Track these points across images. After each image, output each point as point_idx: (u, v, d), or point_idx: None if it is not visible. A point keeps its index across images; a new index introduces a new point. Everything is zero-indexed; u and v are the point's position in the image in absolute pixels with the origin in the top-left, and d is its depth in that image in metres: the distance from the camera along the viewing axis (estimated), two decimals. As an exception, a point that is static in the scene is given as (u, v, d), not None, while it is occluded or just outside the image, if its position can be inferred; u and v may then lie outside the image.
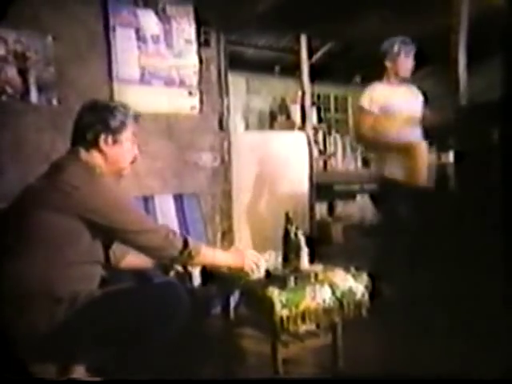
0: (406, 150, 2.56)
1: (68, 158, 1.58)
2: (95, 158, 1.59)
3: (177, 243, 1.59)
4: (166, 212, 2.85)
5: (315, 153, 4.15)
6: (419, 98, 2.81)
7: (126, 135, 1.65)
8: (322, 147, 4.66)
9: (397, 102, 2.68)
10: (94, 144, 1.58)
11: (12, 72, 2.53)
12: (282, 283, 1.75)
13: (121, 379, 1.43)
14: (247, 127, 4.75)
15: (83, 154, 1.57)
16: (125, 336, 1.43)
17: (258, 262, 1.79)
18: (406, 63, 2.69)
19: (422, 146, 2.58)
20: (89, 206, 1.46)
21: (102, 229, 1.50)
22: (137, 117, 1.71)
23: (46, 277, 1.41)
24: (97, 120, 1.59)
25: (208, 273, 2.07)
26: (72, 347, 1.43)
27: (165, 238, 1.57)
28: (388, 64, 2.69)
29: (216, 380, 1.88)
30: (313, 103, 4.81)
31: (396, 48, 2.66)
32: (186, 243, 1.60)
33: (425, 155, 2.58)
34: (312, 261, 1.95)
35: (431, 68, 2.51)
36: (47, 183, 1.51)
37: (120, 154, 1.64)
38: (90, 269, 1.54)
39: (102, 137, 1.58)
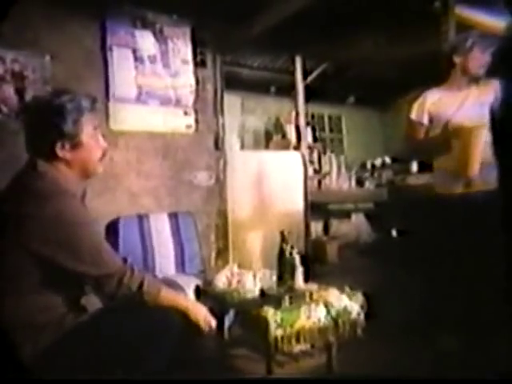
0: (458, 135, 2.26)
1: (23, 176, 1.42)
2: (57, 167, 1.41)
3: (131, 285, 1.41)
4: (161, 231, 2.85)
5: (310, 172, 4.17)
6: (487, 102, 2.34)
7: (86, 132, 1.44)
8: (316, 166, 4.69)
9: (452, 109, 2.37)
10: (51, 154, 1.39)
11: (9, 91, 2.55)
12: (276, 302, 1.74)
13: (120, 379, 1.38)
14: (242, 146, 4.78)
15: (41, 165, 1.40)
16: (114, 359, 1.38)
17: (210, 323, 1.55)
18: (480, 59, 2.32)
19: (478, 131, 2.23)
20: (38, 237, 1.31)
21: (49, 263, 1.32)
22: (93, 104, 1.49)
23: (20, 308, 1.34)
24: (47, 128, 1.39)
25: (201, 291, 2.06)
26: (61, 371, 1.38)
27: (117, 284, 1.39)
28: (457, 60, 2.36)
29: (216, 380, 1.84)
30: (307, 123, 4.85)
31: (470, 42, 2.33)
32: (141, 285, 1.42)
33: (478, 142, 2.22)
34: (307, 280, 1.94)
35: (421, 91, 2.52)
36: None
37: (84, 155, 1.45)
38: (69, 294, 1.44)
39: (58, 145, 1.39)
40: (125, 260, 1.50)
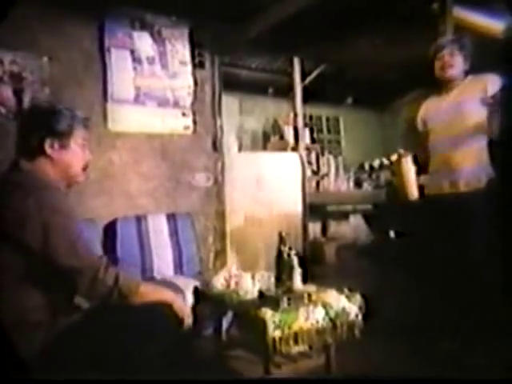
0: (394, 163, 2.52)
1: (5, 173, 1.47)
2: (41, 164, 1.47)
3: (107, 280, 1.41)
4: (159, 232, 2.85)
5: (308, 173, 4.17)
6: (468, 101, 2.35)
7: (75, 140, 1.52)
8: (314, 168, 4.69)
9: (437, 113, 2.46)
10: (38, 150, 1.46)
11: (7, 92, 2.55)
12: (274, 304, 1.74)
13: (121, 379, 1.38)
14: (240, 148, 4.78)
15: (24, 164, 1.45)
16: (108, 359, 1.37)
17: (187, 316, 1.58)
18: (448, 62, 2.35)
19: (404, 161, 2.45)
20: (17, 223, 1.34)
21: (29, 255, 1.35)
22: (86, 121, 1.59)
23: (9, 306, 1.34)
24: (40, 124, 1.48)
25: (200, 293, 2.06)
26: (55, 369, 1.38)
27: (92, 280, 1.38)
28: (436, 64, 2.41)
29: (214, 381, 1.84)
30: (305, 124, 4.85)
31: (440, 45, 2.39)
32: (116, 280, 1.42)
33: (407, 169, 2.44)
34: (305, 281, 1.94)
35: (419, 92, 2.54)
36: None
37: (69, 159, 1.51)
38: (59, 293, 1.43)
39: (48, 141, 1.46)
40: (100, 257, 1.51)
